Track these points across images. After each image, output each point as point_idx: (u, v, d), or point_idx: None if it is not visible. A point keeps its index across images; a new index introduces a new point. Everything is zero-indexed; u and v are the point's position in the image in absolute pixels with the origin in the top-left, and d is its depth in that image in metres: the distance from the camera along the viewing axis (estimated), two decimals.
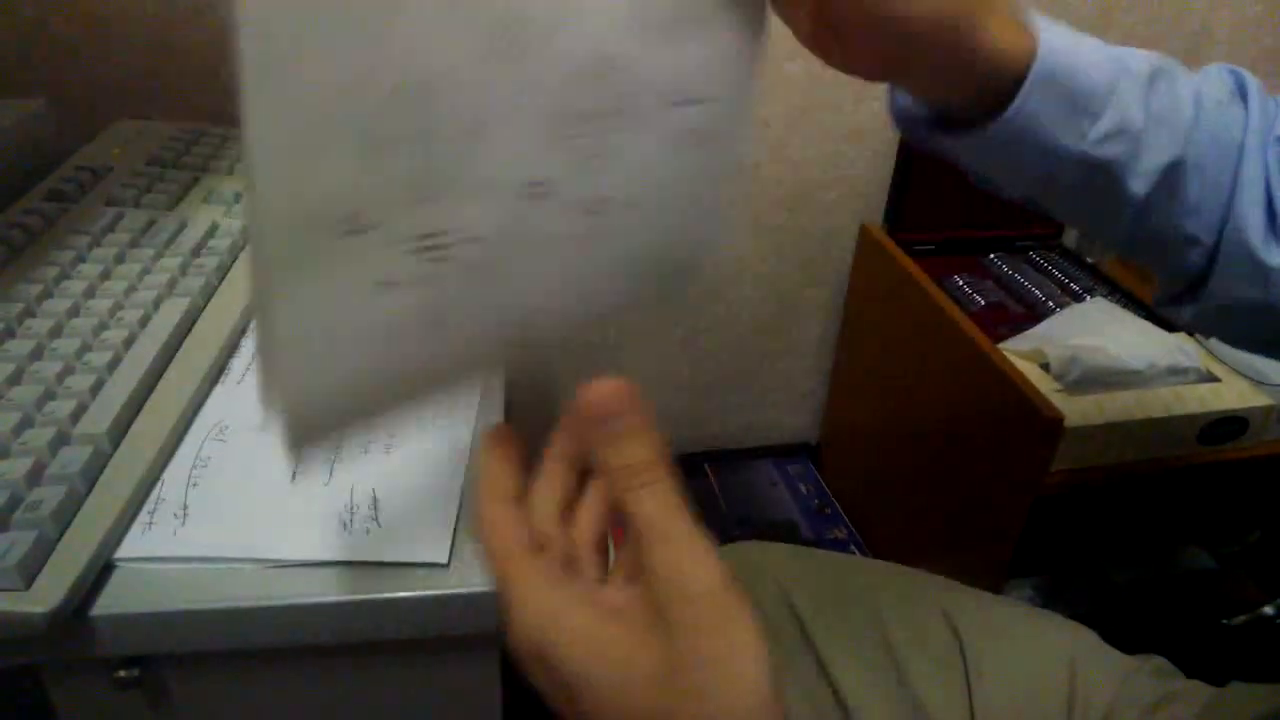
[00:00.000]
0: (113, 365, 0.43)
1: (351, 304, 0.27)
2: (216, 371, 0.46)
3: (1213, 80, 0.40)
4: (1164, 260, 0.42)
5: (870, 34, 0.34)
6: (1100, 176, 0.38)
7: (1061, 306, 0.98)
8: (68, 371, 0.42)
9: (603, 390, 0.28)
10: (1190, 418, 0.83)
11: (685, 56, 0.32)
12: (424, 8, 0.27)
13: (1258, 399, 0.84)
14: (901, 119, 0.42)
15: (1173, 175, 0.38)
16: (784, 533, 1.19)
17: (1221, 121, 0.39)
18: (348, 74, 0.25)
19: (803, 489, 1.27)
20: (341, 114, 0.25)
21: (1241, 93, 0.40)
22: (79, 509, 0.36)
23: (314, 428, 0.29)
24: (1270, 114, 0.39)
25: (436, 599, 0.37)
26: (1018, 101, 0.36)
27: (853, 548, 1.17)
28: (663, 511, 0.26)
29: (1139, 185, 0.38)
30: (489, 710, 0.44)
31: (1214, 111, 0.39)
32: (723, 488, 1.25)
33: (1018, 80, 0.35)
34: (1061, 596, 1.02)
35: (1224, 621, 1.07)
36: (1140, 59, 0.38)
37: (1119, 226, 0.40)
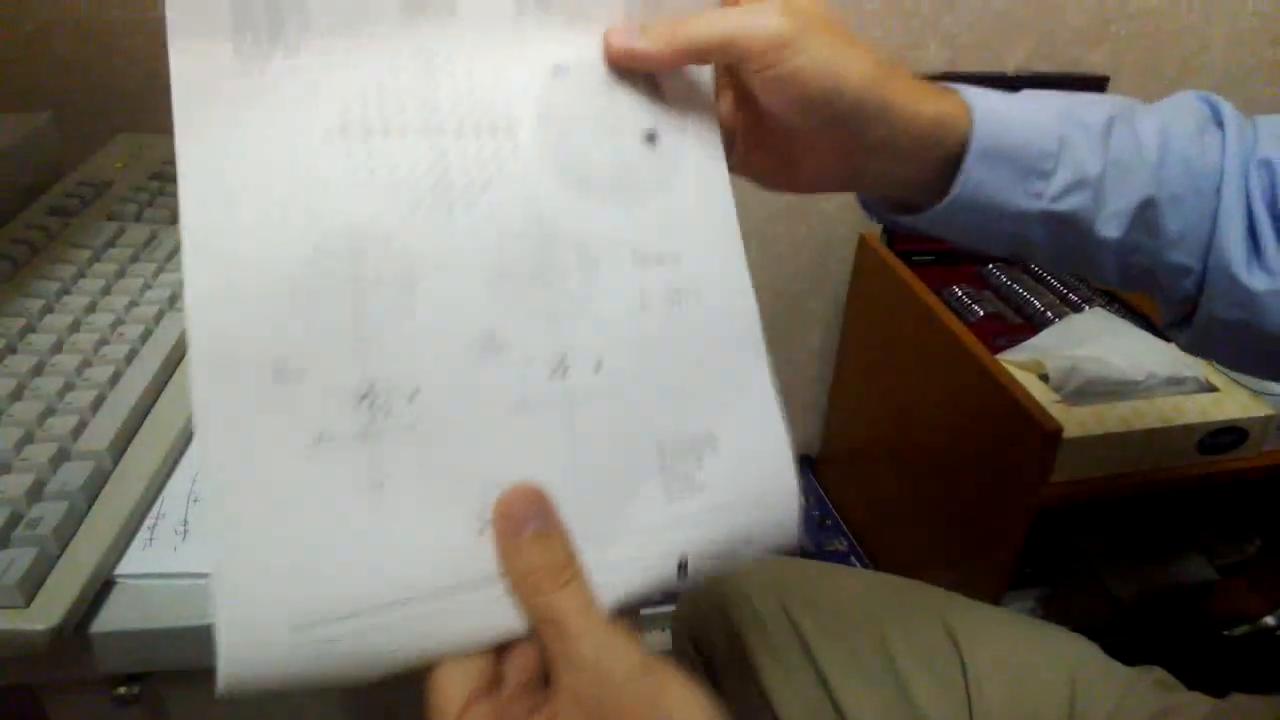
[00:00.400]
0: (114, 381, 0.43)
1: (286, 460, 0.26)
2: None
3: (1183, 110, 0.40)
4: (1158, 290, 0.42)
5: (808, 119, 0.35)
6: (1068, 228, 0.39)
7: (1060, 317, 0.98)
8: (68, 387, 0.42)
9: (513, 498, 0.29)
10: (1189, 428, 0.83)
11: (642, 215, 0.32)
12: (343, 167, 0.28)
13: (1257, 409, 0.85)
14: (867, 205, 0.44)
15: (1147, 213, 0.38)
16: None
17: (1195, 151, 0.39)
18: (271, 231, 0.27)
19: (802, 501, 1.27)
20: (267, 265, 0.27)
21: (1217, 120, 0.40)
22: (79, 526, 0.36)
23: (260, 620, 0.26)
24: (1248, 139, 0.39)
25: None
26: (962, 174, 0.37)
27: (853, 559, 1.17)
28: (585, 607, 0.28)
29: (1110, 229, 0.39)
30: None
31: (1184, 143, 0.39)
32: None
33: (961, 149, 0.36)
34: (1062, 608, 1.02)
35: (1224, 633, 1.07)
36: (1095, 108, 0.39)
37: (1104, 268, 0.41)
